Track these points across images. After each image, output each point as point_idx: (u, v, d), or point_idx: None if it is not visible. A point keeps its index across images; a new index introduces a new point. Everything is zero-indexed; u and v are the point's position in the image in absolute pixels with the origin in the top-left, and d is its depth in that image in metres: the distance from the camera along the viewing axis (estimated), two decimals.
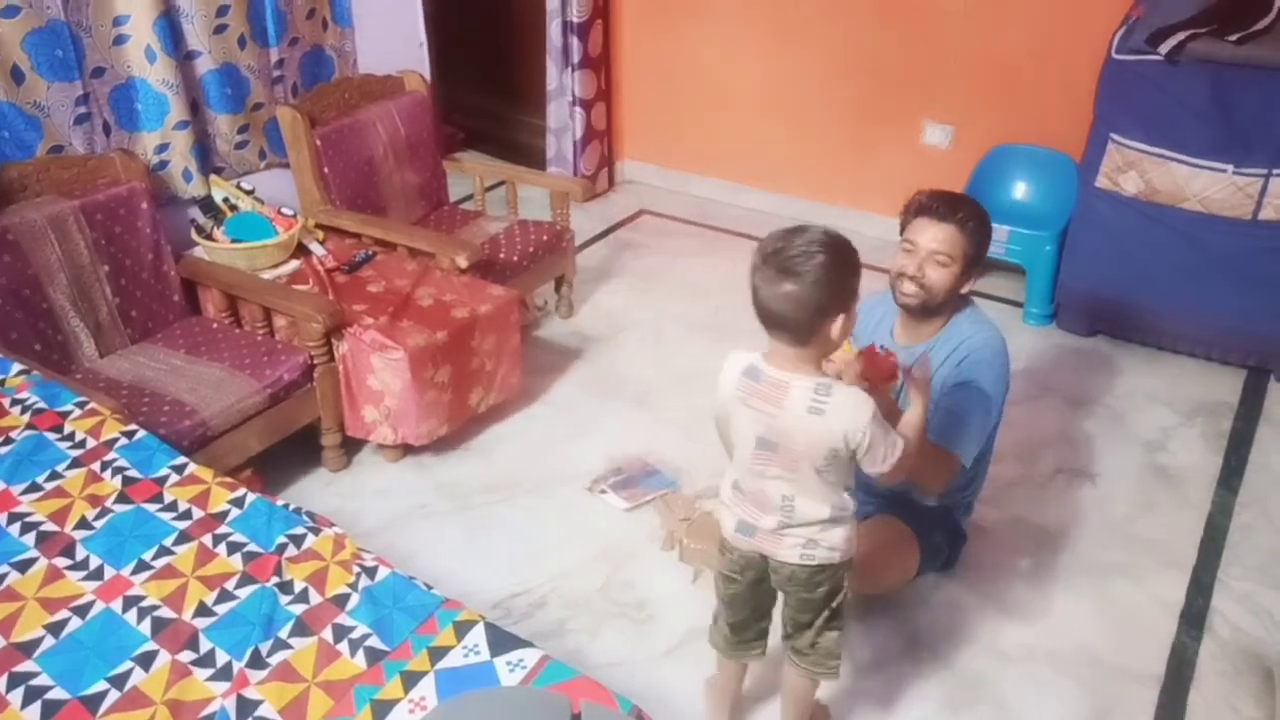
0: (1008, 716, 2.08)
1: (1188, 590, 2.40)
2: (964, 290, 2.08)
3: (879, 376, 1.76)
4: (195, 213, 2.90)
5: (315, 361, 2.60)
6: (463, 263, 2.91)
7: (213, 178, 2.95)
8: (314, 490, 2.72)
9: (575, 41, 4.22)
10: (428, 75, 3.61)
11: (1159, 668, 2.19)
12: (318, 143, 3.12)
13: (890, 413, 1.71)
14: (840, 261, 1.48)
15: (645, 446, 2.87)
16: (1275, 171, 2.95)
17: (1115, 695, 2.12)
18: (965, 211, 2.01)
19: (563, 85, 4.34)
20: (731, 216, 4.40)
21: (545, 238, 3.39)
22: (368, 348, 2.58)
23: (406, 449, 2.82)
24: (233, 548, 1.64)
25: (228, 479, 1.83)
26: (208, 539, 1.66)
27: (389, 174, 3.36)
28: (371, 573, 1.54)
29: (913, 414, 1.72)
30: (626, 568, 2.47)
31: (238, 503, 1.74)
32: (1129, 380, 3.27)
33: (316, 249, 2.99)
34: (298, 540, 1.64)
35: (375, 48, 3.42)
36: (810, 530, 1.65)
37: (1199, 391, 3.19)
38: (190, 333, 2.70)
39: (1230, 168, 2.99)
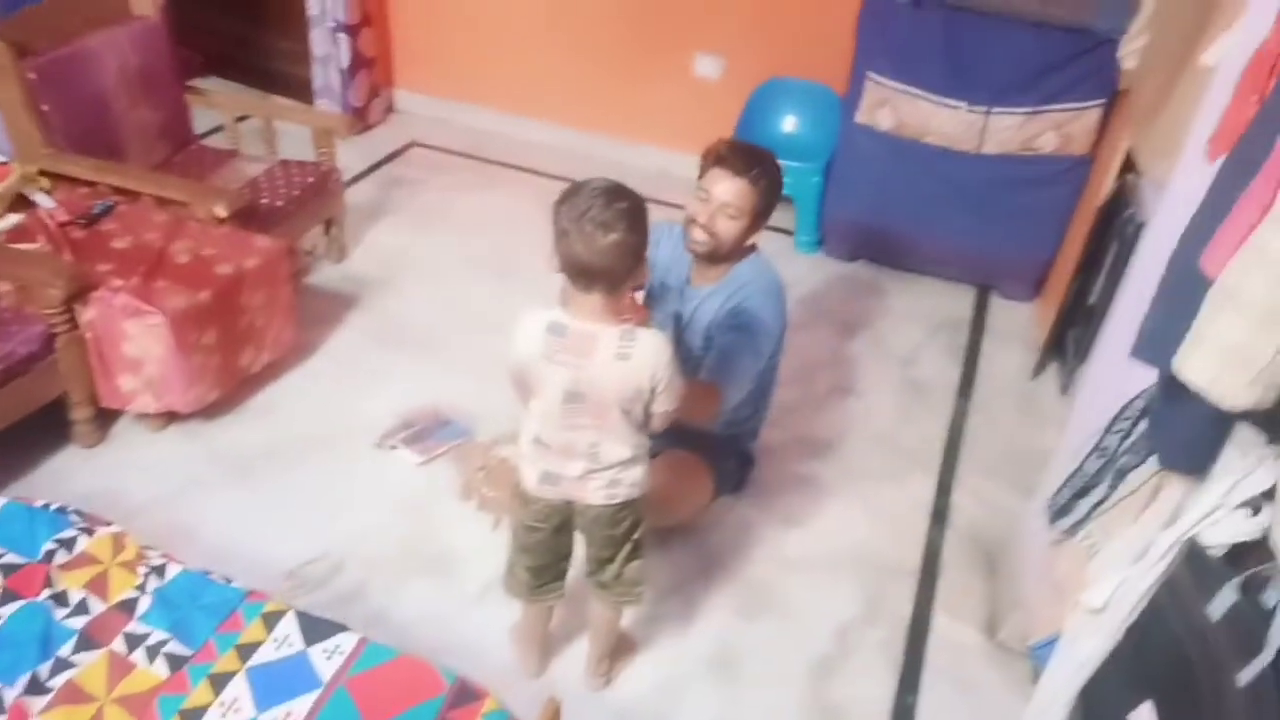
0: (793, 616, 2.29)
1: (935, 490, 2.69)
2: (751, 240, 2.17)
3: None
4: None
5: (56, 331, 2.32)
6: (222, 212, 2.68)
7: None
8: (67, 471, 2.46)
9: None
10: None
11: (916, 560, 2.47)
12: (31, 75, 2.73)
13: None
14: (640, 208, 1.60)
15: (435, 395, 2.81)
16: (994, 109, 3.25)
17: (882, 588, 2.38)
18: (760, 169, 2.09)
19: (324, 8, 4.03)
20: (506, 149, 4.30)
21: (311, 179, 3.17)
22: (119, 313, 2.34)
23: (171, 416, 2.60)
24: None
25: None
26: None
27: (123, 111, 3.00)
28: (160, 571, 1.43)
29: None
30: (424, 522, 2.43)
31: None
32: (886, 302, 3.55)
33: (43, 200, 2.64)
34: (68, 544, 1.48)
35: None
36: (614, 471, 1.74)
37: (942, 309, 3.51)
38: None
39: (963, 105, 3.26)
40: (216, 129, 3.45)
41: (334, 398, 2.81)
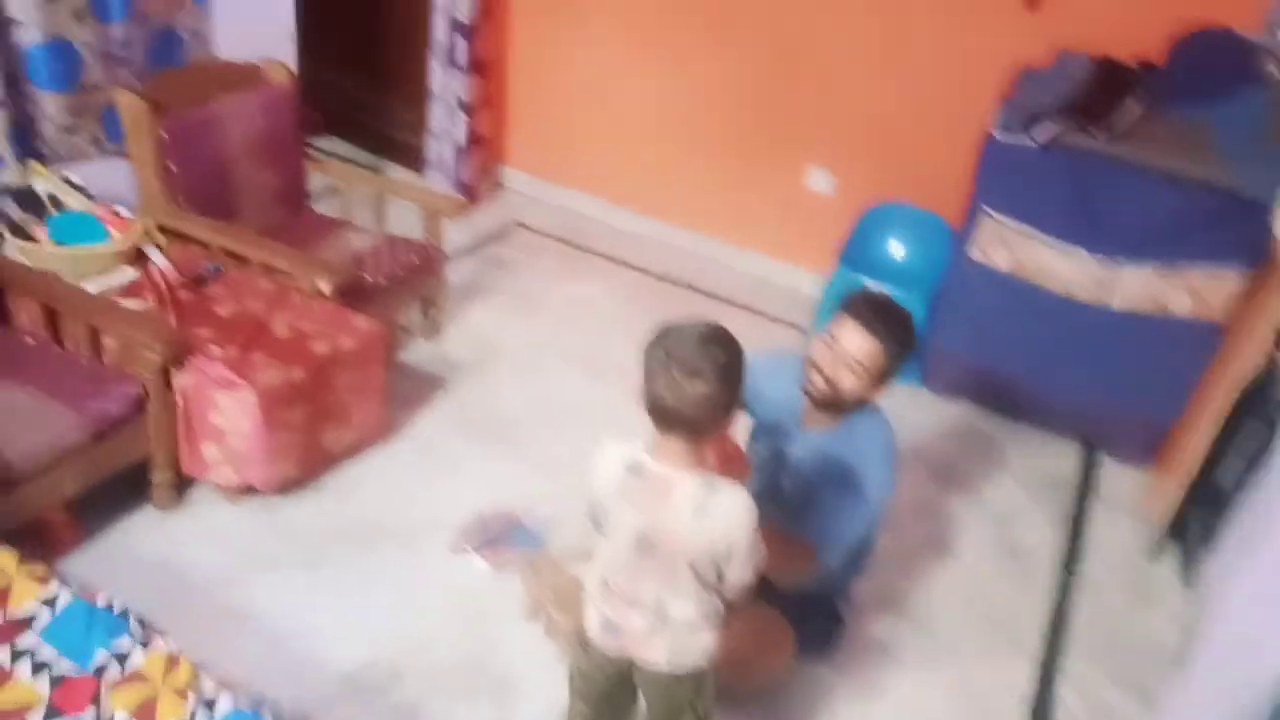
0: None
1: (1034, 678, 2.46)
2: (874, 397, 2.07)
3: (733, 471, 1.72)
4: (8, 205, 2.52)
5: (150, 394, 2.31)
6: (325, 288, 2.66)
7: (33, 164, 2.57)
8: (140, 532, 2.42)
9: (461, 42, 3.97)
10: (295, 66, 3.30)
11: None
12: (164, 135, 2.78)
13: None
14: (736, 360, 1.49)
15: (514, 493, 2.72)
16: (1122, 261, 3.09)
17: None
18: (893, 332, 1.99)
19: (447, 87, 4.09)
20: (609, 240, 4.27)
21: (416, 259, 3.16)
22: (213, 383, 2.32)
23: (249, 488, 2.55)
24: (38, 668, 1.38)
25: (36, 568, 1.54)
26: (3, 654, 1.39)
27: (244, 175, 3.04)
28: (211, 706, 1.33)
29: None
30: (490, 637, 2.32)
31: (49, 603, 1.47)
32: (986, 449, 3.37)
33: (157, 258, 2.66)
34: (122, 658, 1.40)
35: (236, 31, 3.09)
36: (681, 634, 1.62)
37: (1047, 465, 3.31)
38: None
39: (1085, 253, 3.12)
40: (329, 190, 3.47)
41: (412, 485, 2.74)
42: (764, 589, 2.14)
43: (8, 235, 2.44)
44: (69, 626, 1.44)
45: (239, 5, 3.08)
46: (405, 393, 3.08)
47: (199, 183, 2.90)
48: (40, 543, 2.16)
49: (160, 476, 2.43)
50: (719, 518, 1.50)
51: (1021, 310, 3.28)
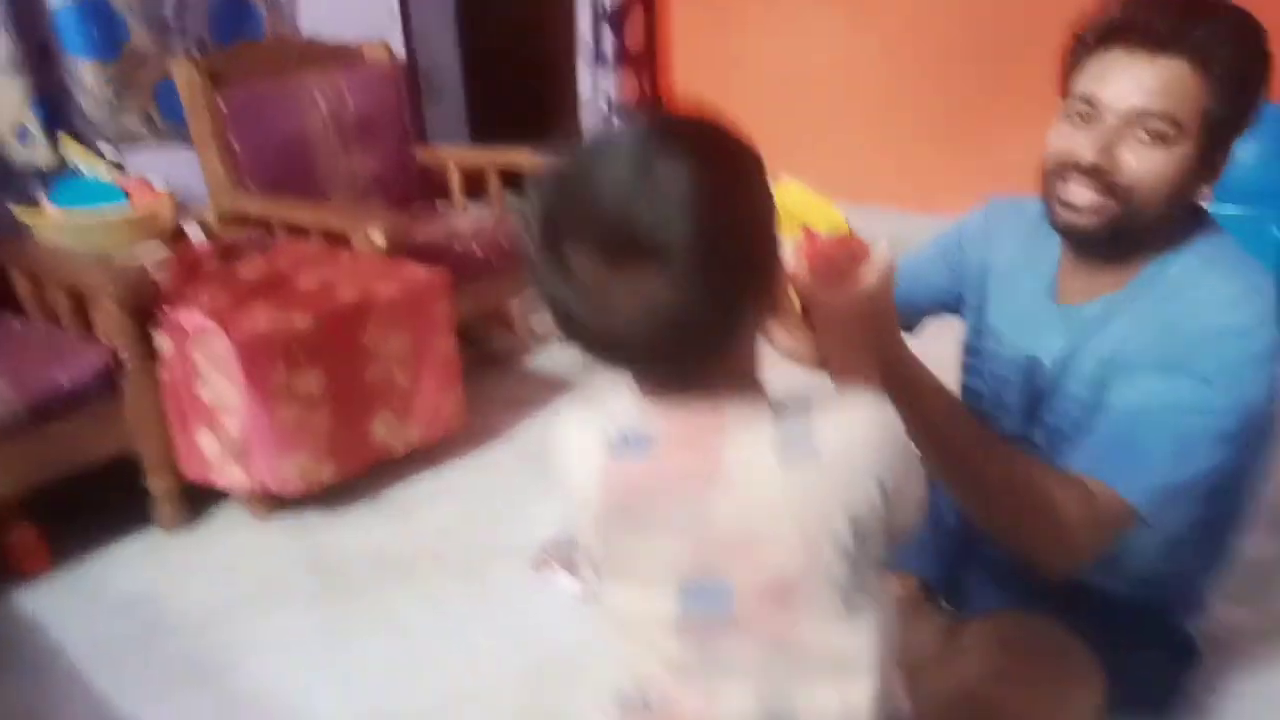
0: None
1: None
2: (1197, 196, 1.02)
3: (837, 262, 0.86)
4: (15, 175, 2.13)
5: (122, 363, 1.72)
6: (379, 239, 2.03)
7: (63, 137, 2.18)
8: (131, 558, 1.81)
9: (608, 33, 3.42)
10: (400, 48, 2.85)
11: None
12: (222, 107, 2.35)
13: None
14: (737, 180, 0.65)
15: None
16: None
17: None
18: (1213, 28, 0.95)
19: (596, 88, 3.52)
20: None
21: None
22: (190, 338, 1.70)
23: (280, 501, 1.88)
24: None
25: None
26: None
27: (331, 156, 2.55)
28: None
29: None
30: (565, 691, 1.43)
31: None
32: None
33: (194, 232, 2.16)
34: None
35: (329, 11, 2.68)
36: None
37: None
38: None
39: None
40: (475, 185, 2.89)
41: (499, 498, 1.96)
42: (1038, 588, 1.10)
43: (15, 211, 2.03)
44: None
45: None
46: (520, 395, 2.37)
47: (271, 164, 2.43)
48: None
49: (157, 483, 1.82)
50: (838, 449, 0.67)
51: None
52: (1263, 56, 0.98)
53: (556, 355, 2.61)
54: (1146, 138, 0.96)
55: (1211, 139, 0.97)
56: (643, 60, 3.54)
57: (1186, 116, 0.95)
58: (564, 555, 1.68)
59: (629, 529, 0.71)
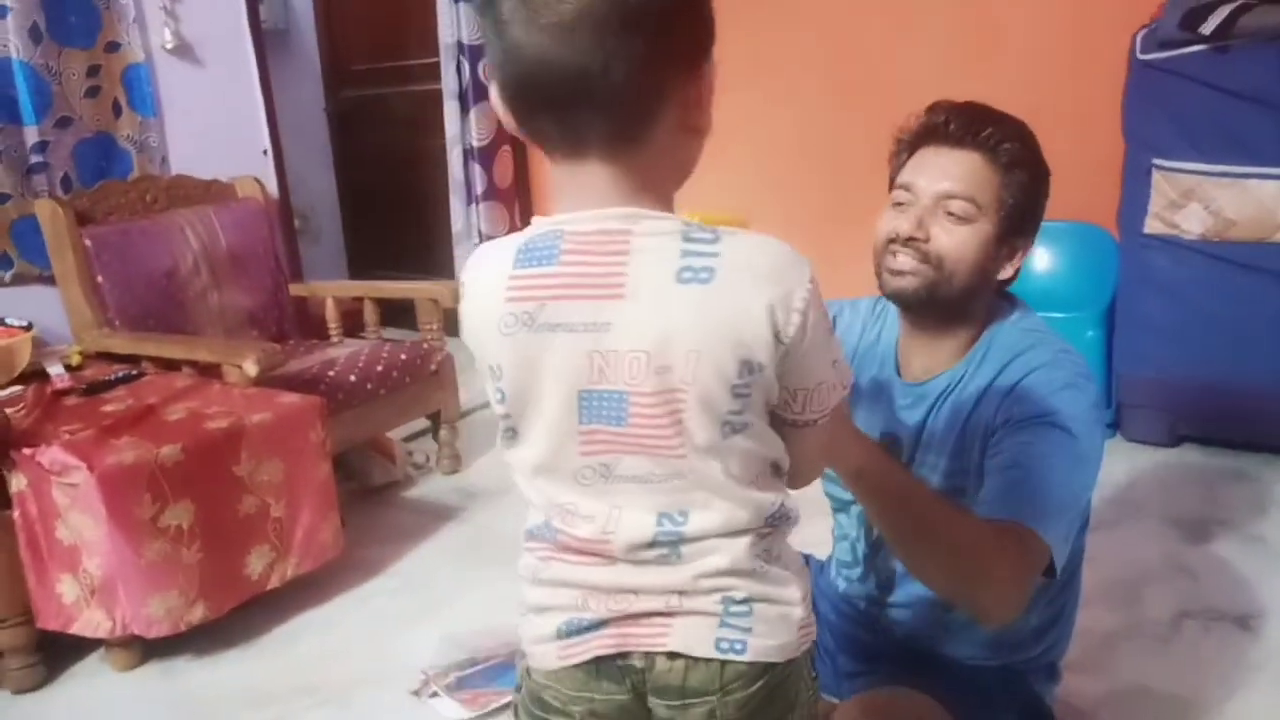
0: None
1: None
2: (1003, 273, 1.17)
3: None
4: None
5: None
6: (251, 368, 2.01)
7: None
8: None
9: (479, 171, 3.55)
10: (273, 185, 2.89)
11: None
12: (87, 243, 2.33)
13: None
14: None
15: (516, 620, 1.82)
16: None
17: None
18: (999, 130, 1.13)
19: (470, 222, 3.62)
20: None
21: (404, 357, 2.50)
22: (49, 476, 1.63)
23: (146, 648, 1.79)
24: None
25: None
26: None
27: (202, 293, 2.53)
28: None
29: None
30: None
31: None
32: (1249, 488, 2.25)
33: (56, 370, 2.10)
34: None
35: (199, 150, 2.71)
36: (727, 577, 0.74)
37: None
38: None
39: None
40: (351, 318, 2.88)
41: (378, 628, 1.91)
42: (915, 661, 1.19)
43: None
44: None
45: (199, 123, 2.72)
46: (404, 527, 2.34)
47: (139, 301, 2.40)
48: None
49: (7, 639, 1.70)
50: (736, 274, 0.68)
51: (1239, 286, 2.29)
52: (1039, 157, 1.16)
53: (437, 485, 2.60)
54: (952, 216, 1.12)
55: (1009, 222, 1.14)
56: (513, 194, 3.68)
57: (985, 199, 1.12)
58: (444, 680, 1.65)
59: (532, 333, 0.71)
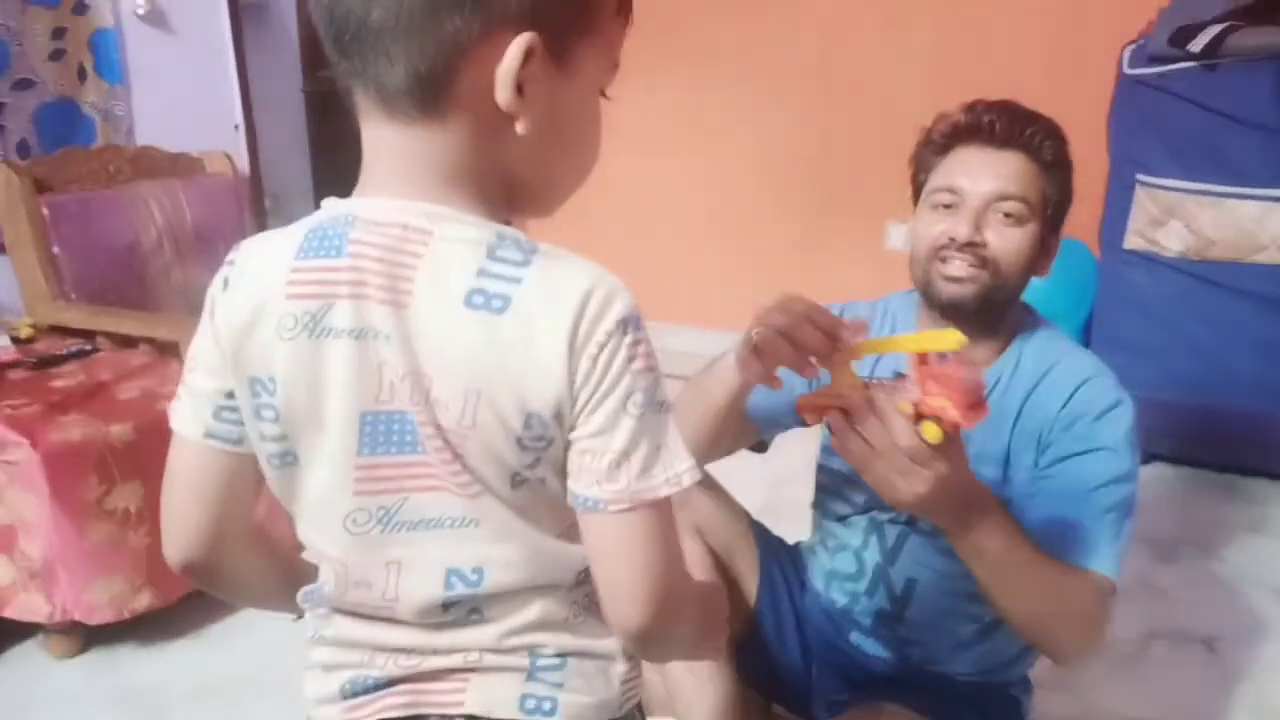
0: None
1: None
2: (1041, 273, 1.17)
3: (957, 404, 0.83)
4: None
5: None
6: None
7: None
8: None
9: None
10: (244, 163, 2.81)
11: None
12: (45, 212, 2.24)
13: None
14: None
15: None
16: None
17: None
18: (1039, 129, 1.13)
19: None
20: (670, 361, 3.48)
21: None
22: None
23: (88, 635, 1.71)
24: None
25: None
26: None
27: (164, 268, 2.45)
28: None
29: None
30: None
31: None
32: (1218, 510, 2.25)
33: (1, 341, 2.02)
34: None
35: (167, 122, 2.63)
36: (536, 633, 0.65)
37: None
38: None
39: None
40: None
41: None
42: (904, 679, 1.17)
43: None
44: None
45: (170, 94, 2.63)
46: None
47: (97, 274, 2.31)
48: None
49: None
50: (534, 307, 0.57)
51: (1218, 306, 2.28)
52: (1070, 155, 1.15)
53: None
54: (1005, 218, 1.10)
55: (1050, 222, 1.13)
56: None
57: (1033, 199, 1.11)
58: None
59: (312, 339, 0.60)
